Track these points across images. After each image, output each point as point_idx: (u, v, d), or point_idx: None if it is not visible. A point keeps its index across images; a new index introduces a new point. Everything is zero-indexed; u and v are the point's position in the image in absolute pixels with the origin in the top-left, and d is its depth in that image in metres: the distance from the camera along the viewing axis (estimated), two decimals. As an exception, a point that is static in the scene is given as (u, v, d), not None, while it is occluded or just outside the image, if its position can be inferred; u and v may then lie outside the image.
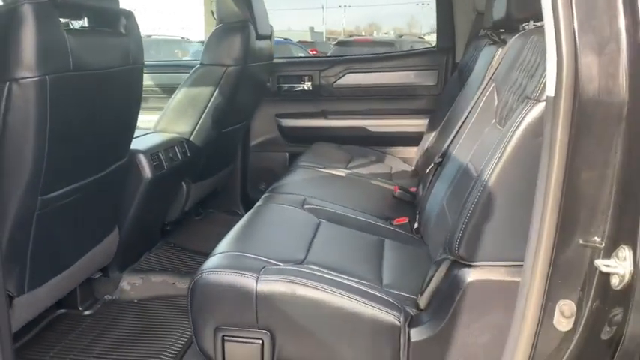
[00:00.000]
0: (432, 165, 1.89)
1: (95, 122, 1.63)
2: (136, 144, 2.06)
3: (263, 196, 1.99)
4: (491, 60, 1.87)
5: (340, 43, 11.45)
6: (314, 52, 14.36)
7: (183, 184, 2.51)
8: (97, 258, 1.90)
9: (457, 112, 2.10)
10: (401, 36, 13.38)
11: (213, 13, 2.71)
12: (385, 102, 3.04)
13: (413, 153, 2.99)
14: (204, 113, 2.44)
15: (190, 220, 2.97)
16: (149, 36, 12.13)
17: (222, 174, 2.95)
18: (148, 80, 3.23)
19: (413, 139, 2.97)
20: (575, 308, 1.03)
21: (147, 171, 2.04)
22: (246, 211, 3.27)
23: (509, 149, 1.15)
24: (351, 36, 18.15)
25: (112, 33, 1.69)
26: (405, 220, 1.92)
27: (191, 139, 2.45)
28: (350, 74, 3.05)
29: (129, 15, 1.74)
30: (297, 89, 3.11)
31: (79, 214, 1.69)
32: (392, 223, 1.92)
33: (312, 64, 3.16)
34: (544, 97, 1.10)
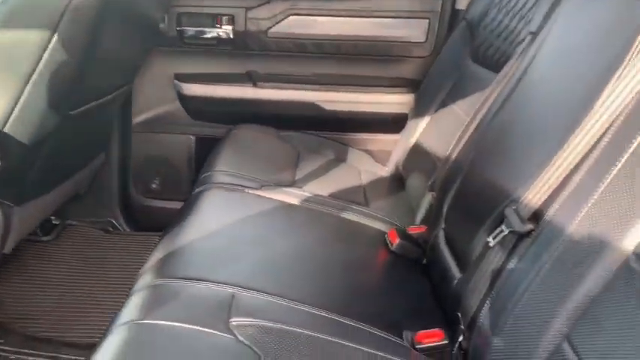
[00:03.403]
0: (503, 232, 0.91)
1: None
2: None
3: (139, 287, 0.93)
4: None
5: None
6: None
7: (-5, 209, 1.36)
8: None
9: (521, 110, 1.11)
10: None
11: None
12: (346, 64, 2.00)
13: (385, 143, 2.01)
14: (31, 82, 1.26)
15: (31, 243, 1.83)
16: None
17: (82, 173, 1.80)
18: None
19: (386, 124, 1.99)
20: None
21: None
22: (128, 221, 2.22)
23: None
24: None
25: None
26: (438, 335, 0.96)
27: (5, 130, 1.27)
28: (294, 17, 1.95)
29: None
30: (209, 36, 1.96)
31: None
32: (415, 339, 0.95)
33: (234, -2, 2.00)
34: None
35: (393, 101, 1.96)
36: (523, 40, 1.27)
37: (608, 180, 0.74)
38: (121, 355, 0.74)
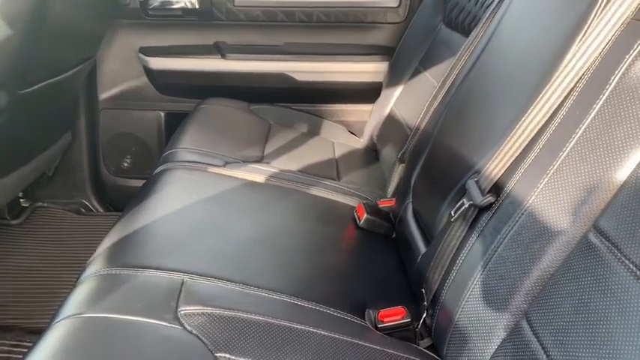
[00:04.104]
0: (464, 205, 0.87)
1: None
2: None
3: (85, 277, 0.89)
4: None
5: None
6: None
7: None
8: None
9: (489, 81, 1.06)
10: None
11: None
12: (318, 33, 1.92)
13: (360, 114, 1.96)
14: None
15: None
16: None
17: (47, 154, 1.74)
18: None
19: (362, 94, 1.93)
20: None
21: None
22: (100, 202, 2.16)
23: None
24: None
25: None
26: (400, 313, 0.93)
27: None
28: (261, -16, 1.87)
29: None
30: (174, 7, 1.88)
31: None
32: (377, 319, 0.91)
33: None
34: None
35: (367, 70, 1.89)
36: (492, 2, 1.21)
37: (568, 149, 0.69)
38: (57, 355, 0.69)
